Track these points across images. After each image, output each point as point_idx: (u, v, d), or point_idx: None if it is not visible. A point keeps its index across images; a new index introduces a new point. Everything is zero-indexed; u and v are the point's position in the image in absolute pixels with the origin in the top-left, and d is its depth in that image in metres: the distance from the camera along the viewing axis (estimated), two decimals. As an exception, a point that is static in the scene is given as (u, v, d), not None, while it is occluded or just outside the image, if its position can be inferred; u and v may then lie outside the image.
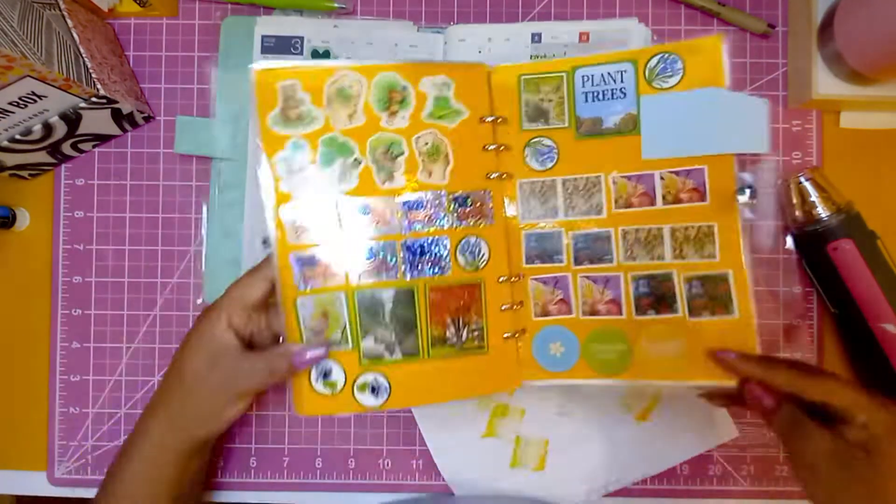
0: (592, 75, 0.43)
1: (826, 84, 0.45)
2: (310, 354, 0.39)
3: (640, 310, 0.42)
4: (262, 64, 0.40)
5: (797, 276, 0.48)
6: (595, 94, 0.43)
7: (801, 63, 0.46)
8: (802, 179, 0.44)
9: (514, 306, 0.43)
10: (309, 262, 0.41)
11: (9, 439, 0.49)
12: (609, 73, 0.43)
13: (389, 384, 0.41)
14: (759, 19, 0.47)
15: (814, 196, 0.44)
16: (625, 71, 0.43)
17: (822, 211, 0.44)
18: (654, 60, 0.42)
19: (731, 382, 0.40)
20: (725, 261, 0.41)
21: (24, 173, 0.48)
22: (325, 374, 0.41)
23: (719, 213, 0.41)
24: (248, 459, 0.48)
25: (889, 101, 0.45)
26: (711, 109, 0.42)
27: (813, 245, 0.45)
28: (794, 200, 0.45)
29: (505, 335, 0.43)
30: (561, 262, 0.44)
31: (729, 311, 0.40)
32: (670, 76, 0.42)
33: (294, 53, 0.47)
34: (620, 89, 0.43)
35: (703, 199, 0.41)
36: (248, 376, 0.38)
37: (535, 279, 0.44)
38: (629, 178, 0.43)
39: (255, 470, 0.48)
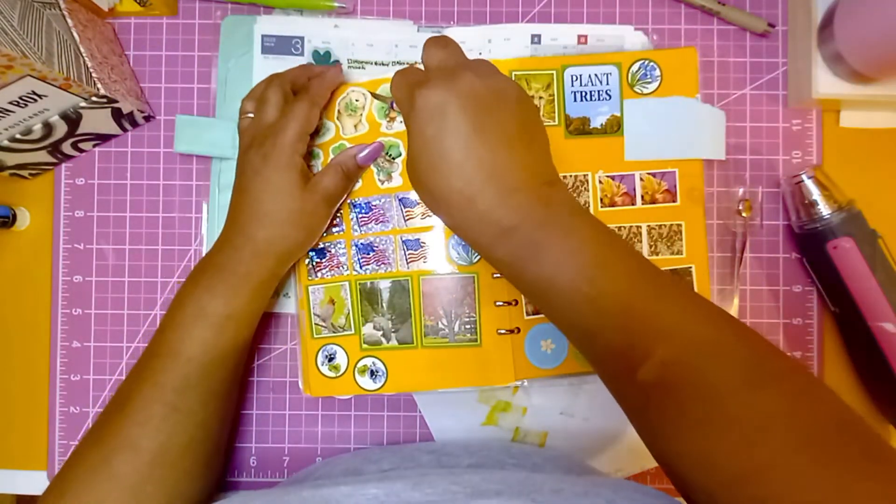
0: (581, 75, 0.45)
1: (826, 83, 0.45)
2: (368, 148, 0.42)
3: None
4: None
5: (797, 274, 0.48)
6: (583, 93, 0.45)
7: (801, 62, 0.46)
8: (805, 177, 0.44)
9: (509, 304, 0.44)
10: (319, 254, 0.45)
11: (9, 439, 0.49)
12: (596, 75, 0.45)
13: (386, 369, 0.44)
14: (759, 18, 0.47)
15: (816, 194, 0.44)
16: (610, 73, 0.45)
17: (823, 209, 0.44)
18: (636, 66, 0.45)
19: None
20: (690, 256, 0.45)
21: (25, 173, 0.48)
22: (330, 358, 0.45)
23: (686, 213, 0.45)
24: (248, 459, 0.48)
25: (889, 101, 0.45)
26: (681, 117, 0.45)
27: (813, 243, 0.44)
28: (796, 198, 0.45)
29: (499, 331, 0.43)
30: None
31: None
32: (650, 82, 0.45)
33: (294, 54, 0.47)
34: (606, 91, 0.45)
35: (674, 199, 0.45)
36: (328, 180, 0.40)
37: None
38: (613, 177, 0.45)
39: (255, 470, 0.48)
